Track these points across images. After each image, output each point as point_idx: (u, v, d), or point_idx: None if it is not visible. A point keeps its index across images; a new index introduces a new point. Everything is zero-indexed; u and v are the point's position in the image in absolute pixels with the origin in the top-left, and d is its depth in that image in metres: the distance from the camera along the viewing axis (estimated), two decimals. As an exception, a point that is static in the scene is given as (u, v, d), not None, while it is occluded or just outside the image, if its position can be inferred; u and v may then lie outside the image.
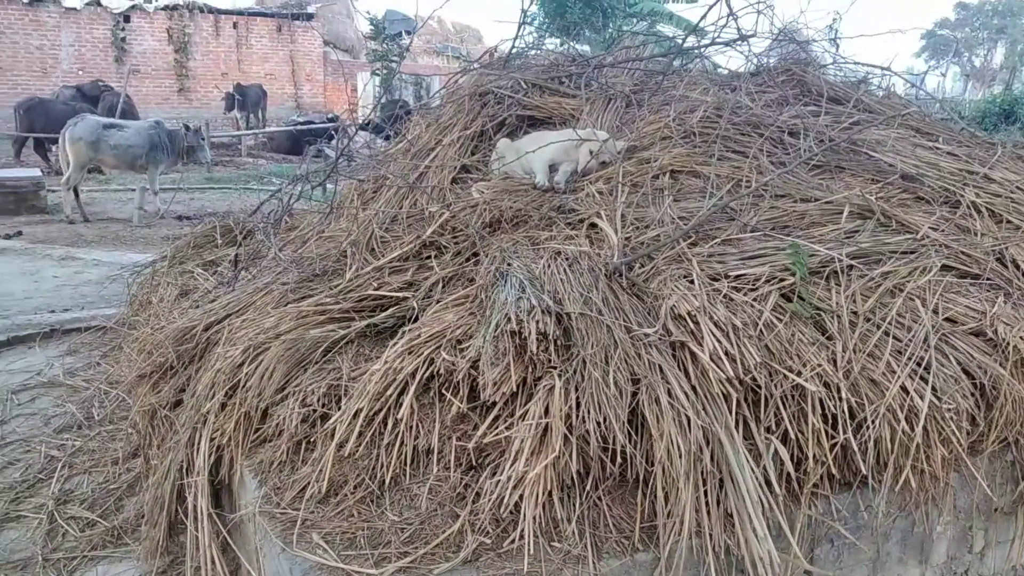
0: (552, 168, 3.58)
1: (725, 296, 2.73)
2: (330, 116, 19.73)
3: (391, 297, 3.31)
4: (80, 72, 21.41)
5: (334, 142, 17.90)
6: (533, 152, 3.52)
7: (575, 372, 2.44)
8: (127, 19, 22.42)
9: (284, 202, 4.56)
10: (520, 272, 2.85)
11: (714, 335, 2.57)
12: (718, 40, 3.80)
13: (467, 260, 3.37)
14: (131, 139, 10.73)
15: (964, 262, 2.87)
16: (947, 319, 2.75)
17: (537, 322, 2.51)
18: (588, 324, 2.53)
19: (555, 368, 2.51)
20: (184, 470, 3.22)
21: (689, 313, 2.63)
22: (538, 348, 2.47)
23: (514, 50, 4.45)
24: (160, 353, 3.76)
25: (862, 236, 2.91)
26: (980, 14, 50.86)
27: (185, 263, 5.25)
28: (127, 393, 4.56)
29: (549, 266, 2.90)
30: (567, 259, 2.91)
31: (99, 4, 22.98)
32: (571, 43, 4.60)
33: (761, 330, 2.67)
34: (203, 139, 11.53)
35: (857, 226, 2.97)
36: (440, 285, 3.31)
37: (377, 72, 17.79)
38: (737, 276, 2.83)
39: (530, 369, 2.56)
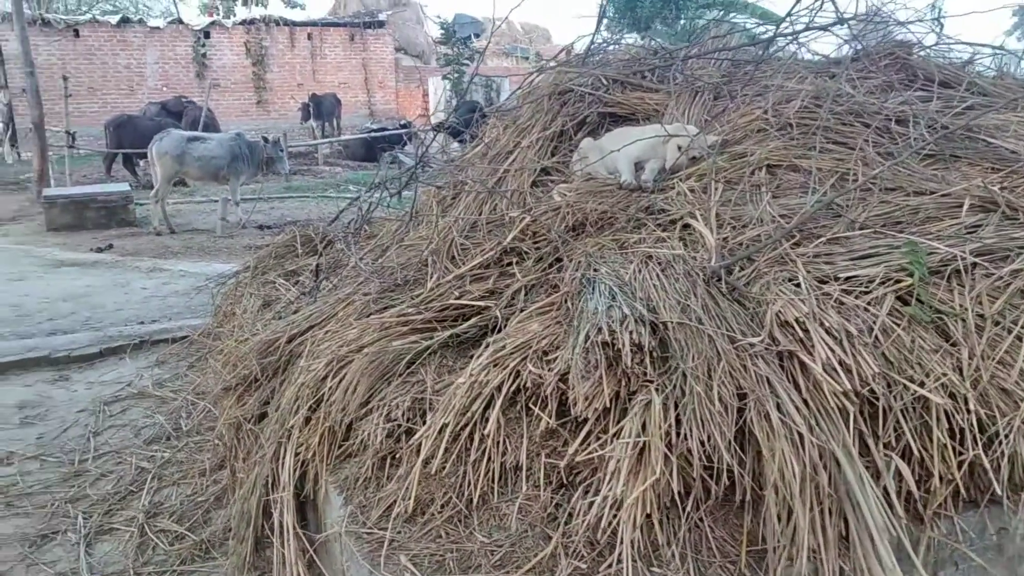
0: (638, 166, 3.41)
1: (835, 300, 2.51)
2: (403, 122, 19.90)
3: (473, 306, 3.20)
4: (164, 88, 22.21)
5: (408, 148, 18.07)
6: (618, 150, 3.36)
7: (675, 387, 2.28)
8: (207, 35, 23.15)
9: (363, 211, 4.51)
10: (609, 278, 2.69)
11: (826, 343, 2.36)
12: (814, 25, 3.55)
13: (550, 266, 3.24)
14: (214, 151, 11.00)
15: (1107, 257, 2.58)
16: (1091, 321, 2.46)
17: (631, 332, 2.35)
18: (687, 334, 2.36)
19: (651, 382, 2.35)
20: (269, 485, 3.18)
21: (797, 320, 2.43)
22: (632, 360, 2.32)
23: (592, 46, 4.29)
24: (244, 366, 3.75)
25: (986, 231, 2.64)
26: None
27: (267, 273, 5.28)
28: (213, 404, 4.60)
29: (640, 271, 2.74)
30: (659, 263, 2.74)
31: (181, 22, 23.83)
32: (650, 37, 4.40)
33: (877, 337, 2.45)
34: (282, 150, 11.74)
35: (980, 220, 2.70)
36: (523, 292, 3.18)
37: (448, 76, 17.84)
38: (847, 278, 2.60)
39: (623, 383, 2.40)
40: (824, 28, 3.55)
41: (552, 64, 4.77)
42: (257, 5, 29.41)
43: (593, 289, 2.68)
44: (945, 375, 2.37)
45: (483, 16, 33.03)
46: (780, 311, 2.48)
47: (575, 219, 3.26)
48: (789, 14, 3.58)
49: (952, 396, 2.37)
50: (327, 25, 25.34)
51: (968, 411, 2.36)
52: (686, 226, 2.97)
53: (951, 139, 3.02)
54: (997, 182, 2.84)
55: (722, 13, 26.76)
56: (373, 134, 18.53)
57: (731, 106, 3.60)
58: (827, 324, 2.40)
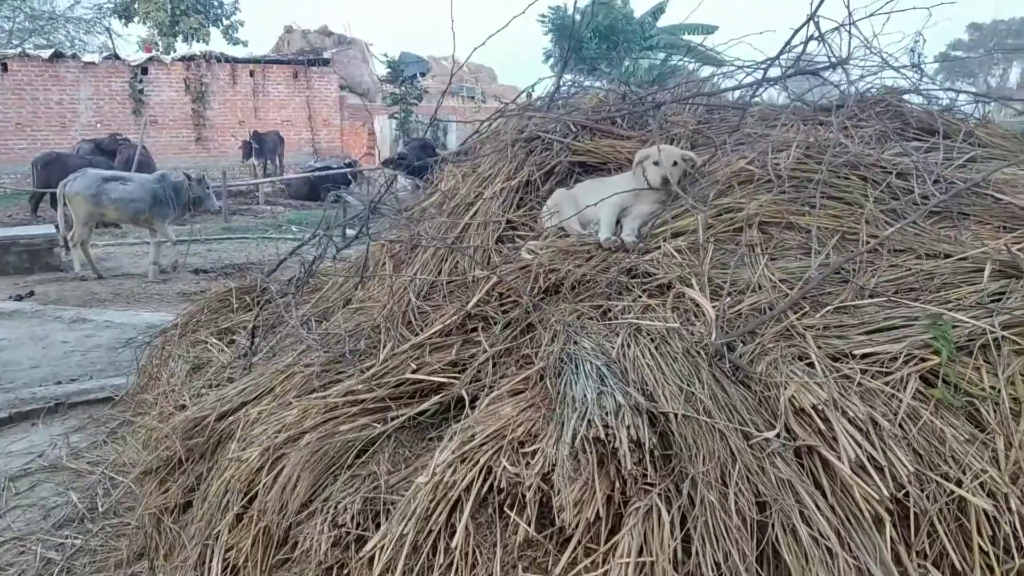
0: (617, 221, 3.09)
1: (855, 382, 2.19)
2: (348, 161, 19.46)
3: (433, 381, 2.80)
4: (99, 125, 21.35)
5: (353, 186, 17.61)
6: (595, 204, 3.03)
7: (682, 494, 1.91)
8: (145, 71, 22.43)
9: (306, 264, 4.08)
10: (593, 355, 2.33)
11: (850, 436, 2.03)
12: (806, 68, 3.30)
13: (521, 333, 2.86)
14: (133, 193, 10.35)
15: None
16: None
17: (628, 427, 1.98)
18: (696, 429, 2.00)
19: (653, 486, 1.98)
20: (193, 595, 2.70)
21: (815, 407, 2.09)
22: (631, 462, 1.94)
23: (557, 90, 3.98)
24: (167, 447, 3.26)
25: (1012, 300, 2.37)
26: (994, 34, 50.37)
27: (198, 331, 4.77)
28: (134, 483, 4.06)
29: (628, 347, 2.38)
30: (651, 338, 2.39)
31: (117, 57, 23.05)
32: (620, 80, 4.15)
33: (900, 425, 2.13)
34: (207, 187, 11.13)
35: (1002, 286, 2.43)
36: (490, 364, 2.80)
37: (396, 115, 17.52)
38: (864, 355, 2.29)
39: (617, 485, 2.03)
40: (815, 72, 3.31)
41: (513, 108, 4.45)
42: (198, 41, 28.78)
43: (577, 368, 2.31)
44: (984, 471, 2.06)
45: (428, 55, 32.97)
46: (794, 396, 2.14)
47: (548, 280, 2.90)
48: (779, 56, 3.33)
49: (991, 495, 2.07)
50: (270, 62, 24.86)
51: (1010, 510, 2.05)
52: (676, 292, 2.63)
53: (957, 195, 2.76)
54: (1013, 243, 2.58)
55: (665, 56, 27.23)
56: (317, 173, 18.03)
57: (711, 155, 3.30)
58: (850, 413, 2.08)
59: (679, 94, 3.85)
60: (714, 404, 2.07)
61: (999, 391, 2.21)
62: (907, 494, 2.03)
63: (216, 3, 30.36)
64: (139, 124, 19.97)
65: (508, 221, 3.37)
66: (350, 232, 5.52)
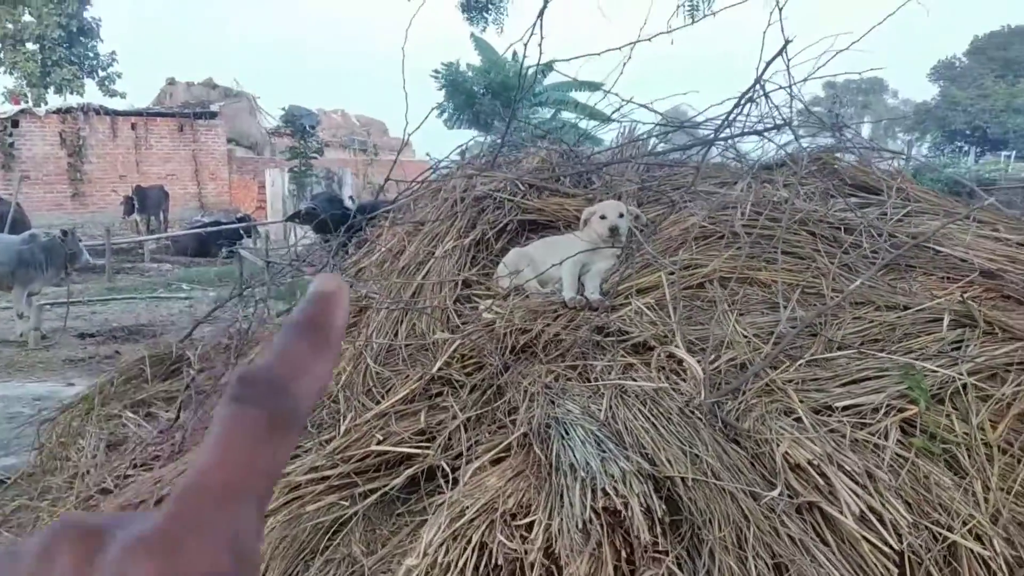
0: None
1: (844, 435, 2.23)
2: (240, 216, 18.83)
3: (402, 452, 2.67)
4: (-36, 181, 19.87)
5: (247, 242, 17.01)
6: (559, 264, 3.01)
7: (704, 560, 1.86)
8: (15, 124, 21.08)
9: (240, 327, 3.86)
10: (584, 419, 2.28)
11: (850, 490, 2.05)
12: (751, 130, 3.44)
13: (492, 397, 2.78)
14: (-7, 254, 9.56)
15: (1087, 372, 2.50)
16: (1093, 444, 2.33)
17: (638, 495, 1.93)
18: (707, 493, 1.96)
19: (665, 554, 1.92)
20: None
21: (811, 462, 2.11)
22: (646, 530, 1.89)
23: (499, 149, 3.98)
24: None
25: (972, 348, 2.49)
26: (847, 91, 54.68)
27: (109, 404, 4.41)
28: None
29: (616, 408, 2.34)
30: (638, 398, 2.36)
31: (-17, 109, 21.65)
32: (560, 140, 4.21)
33: (888, 475, 2.18)
34: (79, 240, 10.40)
35: (959, 335, 2.56)
36: (462, 431, 2.69)
37: (295, 169, 17.15)
38: (845, 407, 2.34)
39: (623, 554, 1.97)
40: (760, 133, 3.45)
41: (447, 164, 4.42)
42: (72, 93, 27.40)
43: (567, 433, 2.24)
44: (972, 516, 2.12)
45: (316, 108, 32.67)
46: (788, 452, 2.15)
47: (516, 341, 2.84)
48: (728, 117, 3.45)
49: (978, 538, 2.13)
50: (154, 115, 23.93)
51: (995, 552, 2.12)
52: (657, 350, 2.63)
53: (897, 247, 2.90)
54: (957, 292, 2.73)
55: (554, 112, 28.06)
56: (208, 228, 17.33)
57: (660, 212, 3.36)
58: (847, 466, 2.10)
59: (628, 154, 3.92)
60: (720, 465, 2.05)
61: (972, 437, 2.30)
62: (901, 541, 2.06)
63: (92, 54, 29.12)
64: (10, 180, 18.70)
65: (463, 280, 3.29)
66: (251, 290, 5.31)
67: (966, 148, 43.96)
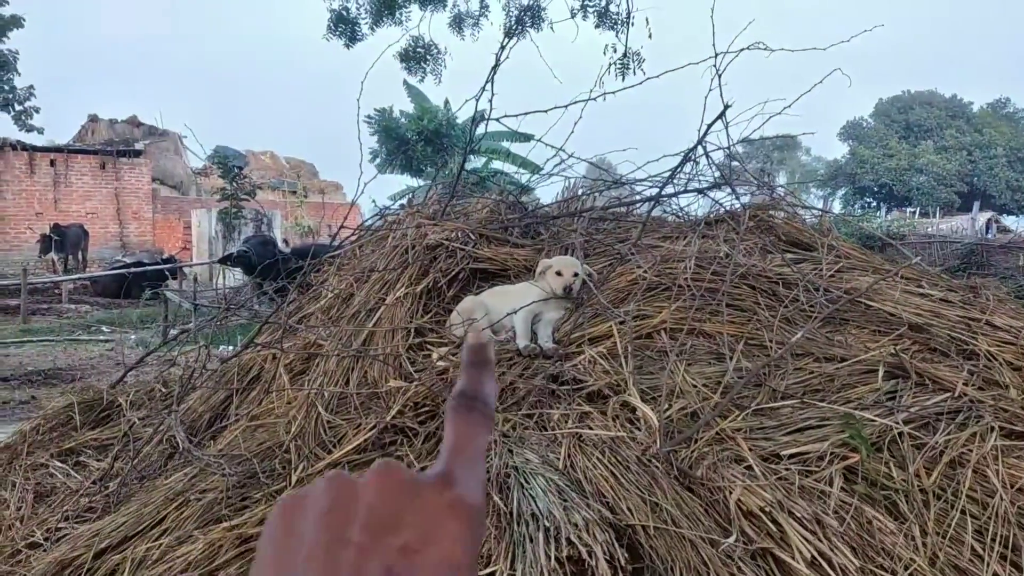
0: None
1: (791, 482, 2.32)
2: (165, 257, 18.32)
3: (356, 501, 2.64)
4: None
5: (172, 283, 16.52)
6: (515, 312, 3.07)
7: (666, 609, 1.91)
8: (-77, 156, 20.19)
9: (186, 374, 3.76)
10: (544, 468, 2.31)
11: (801, 536, 2.14)
12: (692, 188, 3.60)
13: (447, 447, 2.78)
14: None
15: (1009, 420, 2.67)
16: (1018, 489, 2.48)
17: (601, 544, 1.97)
18: (667, 541, 2.02)
19: (629, 602, 1.96)
20: None
21: (763, 509, 2.19)
22: (611, 579, 1.92)
23: (450, 199, 4.04)
24: (26, 597, 2.80)
25: (905, 398, 2.64)
26: (762, 147, 57.13)
27: (34, 453, 4.20)
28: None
29: (576, 457, 2.39)
30: (596, 447, 2.41)
31: None
32: (507, 189, 4.31)
33: (835, 521, 2.28)
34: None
35: (894, 386, 2.71)
36: (417, 481, 2.68)
37: (226, 211, 16.83)
38: (792, 455, 2.44)
39: (586, 602, 1.99)
40: (702, 191, 3.61)
41: (392, 212, 4.45)
42: (-15, 127, 26.39)
43: (528, 482, 2.27)
44: (913, 560, 2.23)
45: (245, 149, 32.29)
46: (741, 499, 2.23)
47: (471, 391, 2.86)
48: (672, 175, 3.60)
49: (918, 582, 2.24)
50: (75, 152, 23.23)
51: (935, 597, 2.23)
52: (605, 397, 2.69)
53: (833, 302, 3.07)
54: (889, 344, 2.90)
55: (486, 160, 28.48)
56: (131, 269, 16.78)
57: (615, 265, 3.46)
58: (797, 513, 2.19)
59: (574, 207, 4.03)
60: (680, 513, 2.11)
61: (909, 483, 2.43)
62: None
63: (7, 87, 28.17)
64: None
65: (416, 328, 3.31)
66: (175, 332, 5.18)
67: (875, 204, 46.47)
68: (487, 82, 3.71)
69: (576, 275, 3.30)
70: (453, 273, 3.49)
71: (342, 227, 4.01)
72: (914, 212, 35.46)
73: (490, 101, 3.76)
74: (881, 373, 2.72)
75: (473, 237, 3.60)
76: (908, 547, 2.28)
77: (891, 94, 55.24)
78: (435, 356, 3.15)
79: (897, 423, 2.51)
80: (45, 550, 3.00)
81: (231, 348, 4.85)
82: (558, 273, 3.29)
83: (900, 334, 2.97)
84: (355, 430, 2.88)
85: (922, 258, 4.24)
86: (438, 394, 2.87)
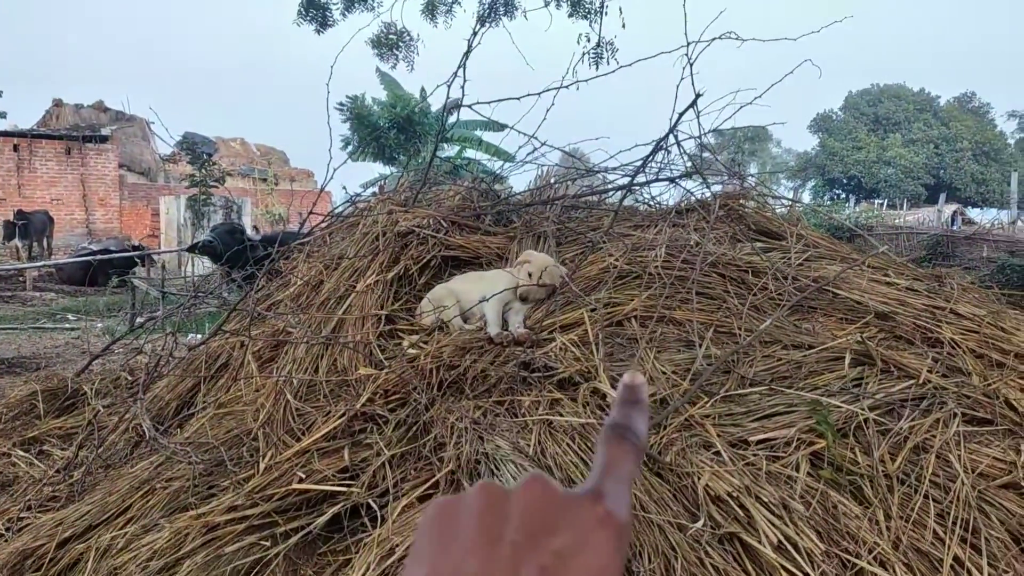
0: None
1: (758, 468, 2.34)
2: (134, 244, 18.02)
3: (324, 490, 2.62)
4: None
5: (139, 270, 16.26)
6: (488, 299, 3.05)
7: (634, 593, 1.92)
8: None
9: (152, 361, 3.70)
10: (514, 455, 2.31)
11: (768, 521, 2.16)
12: (664, 177, 3.61)
13: (418, 434, 2.77)
14: None
15: (971, 407, 2.72)
16: (979, 474, 2.53)
17: (571, 528, 1.97)
18: (635, 526, 2.03)
19: (597, 586, 1.97)
20: None
21: (730, 494, 2.21)
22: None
23: (422, 186, 4.01)
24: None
25: (871, 385, 2.68)
26: (734, 139, 57.53)
27: (-6, 443, 4.12)
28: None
29: (547, 444, 2.39)
30: (566, 433, 2.42)
31: None
32: (480, 177, 4.28)
33: (801, 506, 2.31)
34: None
35: (860, 373, 2.74)
36: (387, 468, 2.67)
37: (195, 198, 16.58)
38: (759, 441, 2.46)
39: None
40: (673, 180, 3.62)
41: (363, 199, 4.41)
42: (-53, 111, 25.71)
43: (498, 468, 2.27)
44: (877, 544, 2.27)
45: (215, 136, 31.84)
46: (709, 485, 2.25)
47: (442, 377, 2.86)
48: (644, 164, 3.60)
49: (882, 564, 2.28)
50: (39, 137, 22.71)
51: (897, 578, 2.27)
52: (576, 384, 2.70)
53: (801, 290, 3.10)
54: (855, 332, 2.93)
55: (460, 148, 28.36)
56: (98, 256, 16.48)
57: (575, 252, 3.46)
58: (764, 498, 2.22)
59: (546, 195, 4.02)
60: (648, 498, 2.12)
61: (874, 469, 2.46)
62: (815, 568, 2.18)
63: (-31, 70, 27.46)
64: None
65: (386, 316, 3.29)
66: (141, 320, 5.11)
67: (844, 195, 47.05)
68: (459, 68, 3.68)
69: (546, 269, 3.24)
70: (424, 260, 3.47)
71: (311, 213, 3.96)
72: (882, 204, 35.95)
73: (462, 88, 3.74)
74: (848, 360, 2.75)
75: (445, 224, 3.58)
76: (872, 531, 2.31)
77: (860, 87, 55.91)
78: (406, 343, 3.13)
79: (863, 409, 2.54)
80: (6, 540, 2.94)
81: (199, 336, 4.80)
82: (530, 274, 3.22)
83: (866, 322, 3.01)
84: (324, 418, 2.86)
85: (889, 248, 4.30)
86: (408, 382, 2.86)
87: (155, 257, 16.47)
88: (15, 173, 21.69)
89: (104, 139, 23.84)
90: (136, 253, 15.95)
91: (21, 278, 16.81)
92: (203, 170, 15.78)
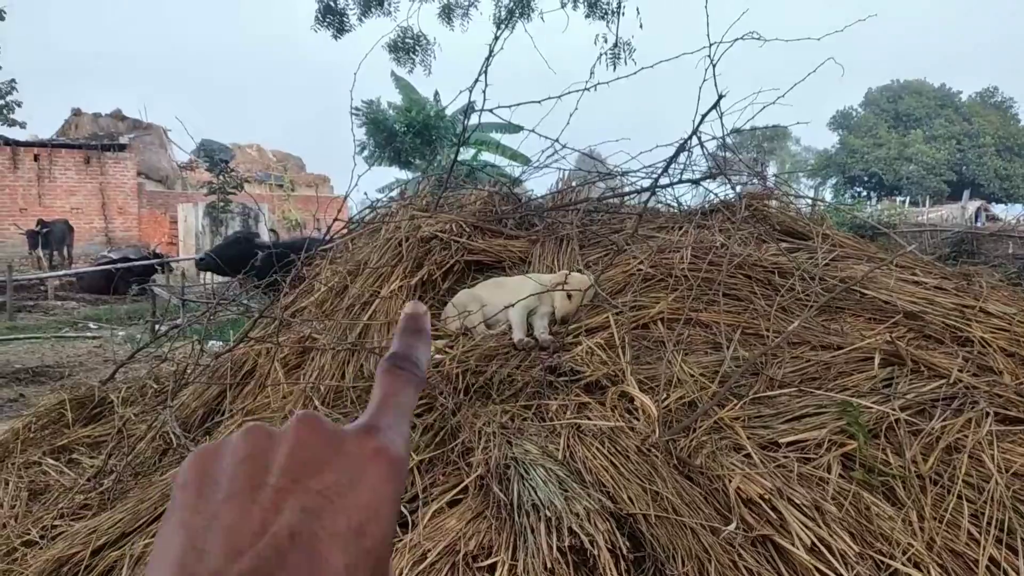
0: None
1: (789, 470, 2.33)
2: (154, 251, 18.18)
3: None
4: None
5: (158, 278, 16.41)
6: (512, 305, 3.06)
7: (668, 597, 1.91)
8: (-95, 152, 19.95)
9: (179, 370, 3.73)
10: (544, 459, 2.31)
11: (800, 523, 2.15)
12: (687, 178, 3.60)
13: (446, 439, 2.78)
14: None
15: (1003, 406, 2.69)
16: (1013, 474, 2.50)
17: (603, 533, 1.97)
18: (669, 529, 2.02)
19: (631, 590, 1.96)
20: None
21: (763, 496, 2.20)
22: (614, 568, 1.93)
23: (442, 192, 4.02)
24: (23, 595, 2.78)
25: (901, 385, 2.66)
26: (753, 137, 57.20)
27: (27, 451, 4.17)
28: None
29: (575, 447, 2.39)
30: (595, 437, 2.41)
31: None
32: (502, 181, 4.27)
33: (834, 507, 2.29)
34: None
35: (890, 373, 2.72)
36: (415, 474, 2.68)
37: (213, 205, 16.71)
38: (790, 443, 2.45)
39: (589, 591, 2.00)
40: (697, 181, 3.61)
41: (383, 204, 4.43)
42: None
43: (528, 473, 2.27)
44: (911, 545, 2.25)
45: (231, 142, 32.11)
46: (740, 487, 2.24)
47: (469, 382, 2.86)
48: (667, 166, 3.59)
49: (916, 566, 2.26)
50: (59, 146, 22.97)
51: (932, 581, 2.24)
52: (603, 387, 2.69)
53: (829, 290, 3.08)
54: (884, 332, 2.91)
55: (476, 152, 28.39)
56: (117, 265, 16.66)
57: (601, 255, 3.46)
58: (796, 500, 2.20)
59: (569, 199, 4.02)
60: (680, 501, 2.11)
61: (906, 469, 2.44)
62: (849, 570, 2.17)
63: (-11, 81, 27.86)
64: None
65: (411, 321, 3.29)
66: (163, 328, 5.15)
67: (865, 193, 46.68)
68: (480, 73, 3.69)
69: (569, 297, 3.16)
70: (448, 265, 3.48)
71: (335, 220, 3.98)
72: (904, 201, 35.65)
73: (484, 92, 3.75)
74: (877, 360, 2.73)
75: (467, 229, 3.59)
76: (906, 532, 2.29)
77: (881, 83, 55.45)
78: (432, 349, 3.14)
79: (894, 410, 2.52)
80: (41, 548, 2.98)
81: (221, 343, 4.83)
82: (569, 296, 3.14)
83: (895, 322, 2.99)
84: (352, 423, 2.87)
85: (914, 246, 4.26)
86: (434, 387, 2.86)
87: (174, 264, 16.60)
88: (36, 183, 21.95)
89: (122, 147, 24.09)
90: (156, 261, 16.08)
91: (43, 287, 17.02)
92: (221, 177, 15.88)
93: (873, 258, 3.37)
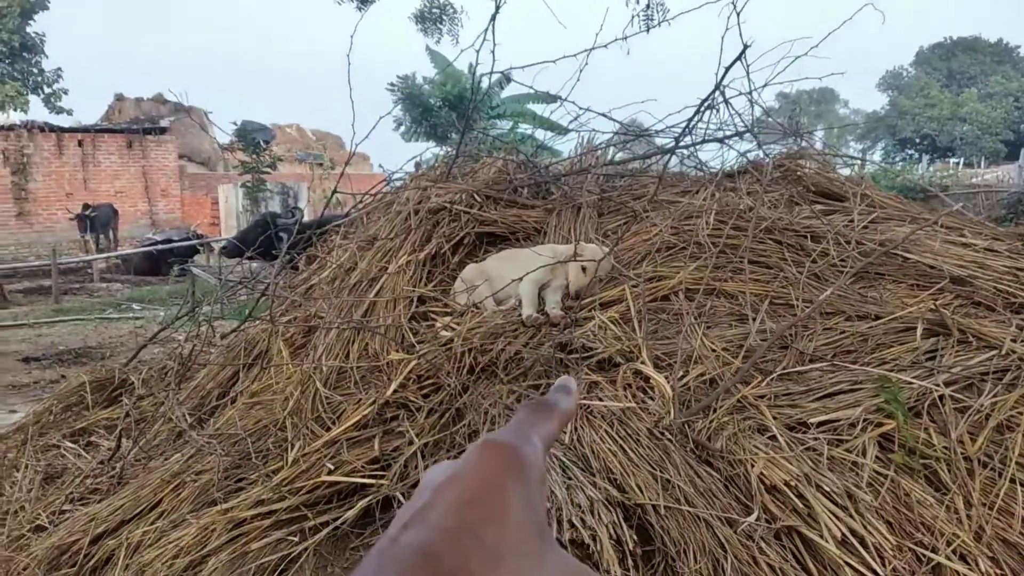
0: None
1: (819, 453, 2.12)
2: (194, 232, 18.37)
3: (354, 482, 2.50)
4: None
5: (199, 259, 16.57)
6: (519, 279, 2.87)
7: (678, 597, 1.73)
8: (-45, 141, 20.41)
9: (183, 352, 3.64)
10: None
11: (830, 512, 1.94)
12: (712, 137, 3.34)
13: (451, 421, 2.62)
14: None
15: (1063, 379, 2.43)
16: (1073, 455, 2.25)
17: (607, 526, 1.79)
18: (681, 521, 1.83)
19: (639, 588, 1.78)
20: None
21: (788, 483, 2.00)
22: (619, 564, 1.75)
23: (454, 160, 3.83)
24: (25, 583, 2.72)
25: (947, 358, 2.41)
26: (799, 101, 55.57)
27: (47, 433, 4.14)
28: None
29: (583, 430, 2.21)
30: (604, 419, 2.23)
31: (-81, 127, 20.90)
32: (517, 149, 4.05)
33: (869, 495, 2.08)
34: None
35: (933, 344, 2.47)
36: (419, 458, 2.53)
37: (248, 184, 16.78)
38: (820, 423, 2.23)
39: (594, 588, 1.82)
40: (721, 140, 3.36)
41: (399, 177, 4.26)
42: (16, 110, 26.58)
43: (530, 460, 2.10)
44: (956, 535, 2.02)
45: (270, 123, 32.20)
46: (764, 473, 2.04)
47: (475, 361, 2.69)
48: (689, 125, 3.35)
49: (962, 558, 2.04)
50: (102, 131, 23.28)
51: (982, 574, 2.02)
52: (616, 365, 2.50)
53: (866, 255, 2.82)
54: (928, 300, 2.65)
55: (512, 124, 28.07)
56: (159, 246, 16.86)
57: (620, 223, 3.24)
58: (825, 487, 1.99)
59: (587, 164, 3.80)
60: (694, 490, 1.92)
61: (952, 451, 2.21)
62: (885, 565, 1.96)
63: (36, 70, 28.36)
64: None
65: (419, 297, 3.14)
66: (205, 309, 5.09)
67: (916, 155, 45.12)
68: (485, 31, 3.48)
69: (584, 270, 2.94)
70: (458, 238, 3.30)
71: (365, 194, 3.83)
72: (957, 163, 34.29)
73: (492, 52, 3.53)
74: (920, 331, 2.48)
75: (479, 199, 3.40)
76: (951, 521, 2.07)
77: (932, 41, 53.33)
78: (439, 326, 2.98)
79: (938, 385, 2.28)
80: (49, 534, 2.92)
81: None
82: (584, 268, 2.95)
83: (941, 288, 2.73)
84: (355, 406, 2.73)
85: (966, 208, 3.94)
86: (440, 367, 2.70)
87: (213, 245, 16.74)
88: (80, 168, 22.30)
89: (163, 131, 24.33)
90: (196, 242, 16.23)
91: (89, 270, 17.33)
92: (255, 156, 15.91)
93: (917, 219, 3.10)
